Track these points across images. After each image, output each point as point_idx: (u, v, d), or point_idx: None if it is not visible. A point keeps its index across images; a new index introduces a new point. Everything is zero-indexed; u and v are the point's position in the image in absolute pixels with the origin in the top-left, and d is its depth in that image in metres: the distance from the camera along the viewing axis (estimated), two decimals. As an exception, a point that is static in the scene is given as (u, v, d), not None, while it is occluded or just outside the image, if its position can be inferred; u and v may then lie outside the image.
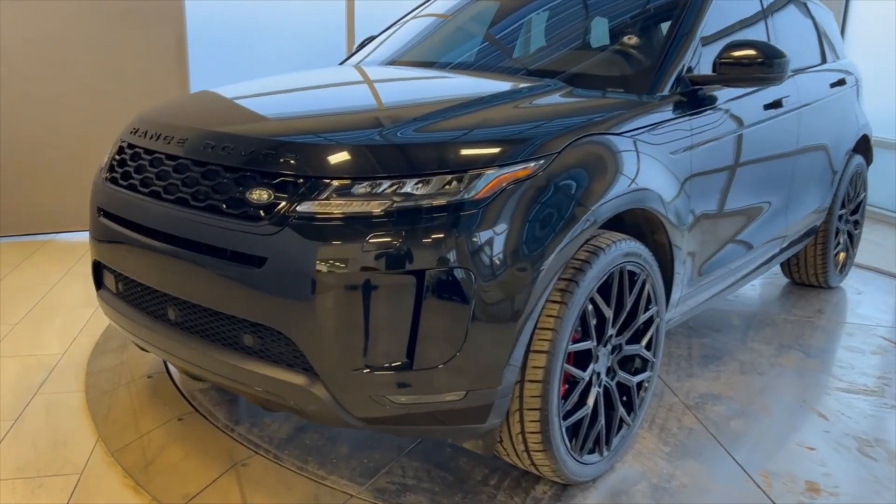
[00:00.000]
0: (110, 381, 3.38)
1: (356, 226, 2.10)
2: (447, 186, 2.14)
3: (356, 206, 2.11)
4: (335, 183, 2.14)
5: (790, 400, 3.35)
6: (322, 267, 2.09)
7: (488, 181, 2.17)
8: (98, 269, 2.85)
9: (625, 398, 2.73)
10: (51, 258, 5.31)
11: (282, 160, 2.21)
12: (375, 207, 2.11)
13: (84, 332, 3.97)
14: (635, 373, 2.77)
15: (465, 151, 2.23)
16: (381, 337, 2.13)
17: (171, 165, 2.44)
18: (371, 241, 2.07)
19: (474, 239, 2.10)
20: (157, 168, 2.50)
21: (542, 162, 2.27)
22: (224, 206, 2.26)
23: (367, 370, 2.14)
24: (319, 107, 2.87)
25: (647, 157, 2.67)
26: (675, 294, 2.96)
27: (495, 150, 2.24)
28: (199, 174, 2.35)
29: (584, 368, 2.49)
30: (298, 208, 2.14)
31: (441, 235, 2.09)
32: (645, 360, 2.79)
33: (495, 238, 2.14)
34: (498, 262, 2.13)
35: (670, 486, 2.65)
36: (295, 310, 2.14)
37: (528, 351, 2.27)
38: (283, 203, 2.16)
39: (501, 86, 2.96)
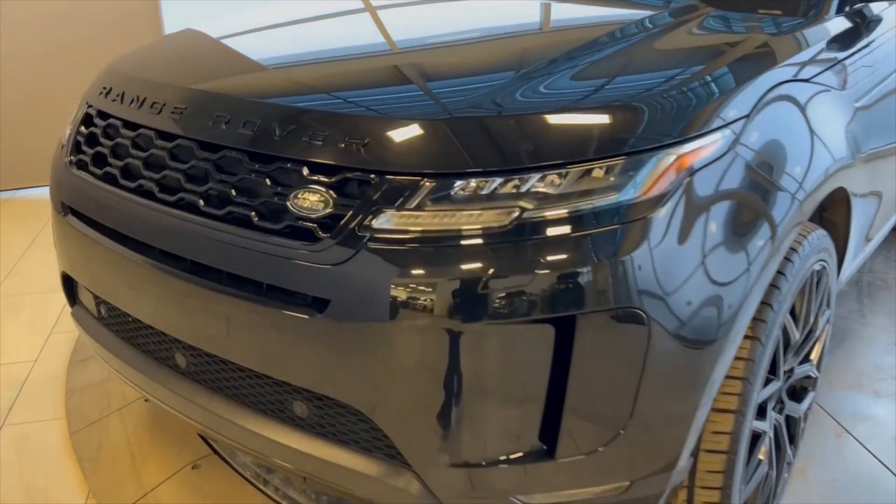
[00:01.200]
0: (97, 406, 2.66)
1: (465, 250, 1.34)
2: (593, 181, 1.38)
3: (463, 219, 1.35)
4: (427, 183, 1.37)
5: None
6: (415, 316, 1.34)
7: (656, 170, 1.41)
8: (69, 282, 2.08)
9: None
10: (9, 223, 4.47)
11: (342, 146, 1.43)
12: (493, 220, 1.35)
13: (58, 329, 3.21)
14: (800, 398, 2.09)
15: (613, 125, 1.45)
16: (507, 415, 1.41)
17: (167, 148, 1.65)
18: (492, 274, 1.32)
19: (645, 262, 1.36)
20: (145, 151, 1.71)
21: (727, 133, 1.51)
22: (254, 215, 1.49)
23: (486, 463, 1.43)
24: (375, 54, 2.00)
25: (835, 110, 1.91)
26: (841, 278, 2.26)
27: (659, 120, 1.46)
28: (212, 163, 1.57)
29: (763, 417, 1.80)
30: (375, 222, 1.38)
31: (595, 260, 1.34)
32: (809, 378, 2.11)
33: (676, 258, 1.40)
34: (683, 294, 1.40)
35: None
36: (374, 377, 1.41)
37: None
38: (351, 214, 1.39)
39: (616, 13, 2.14)
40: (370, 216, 1.38)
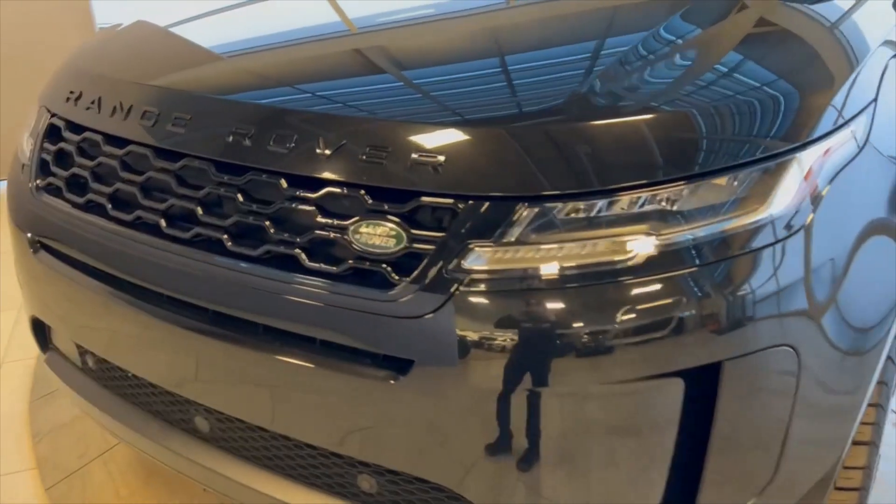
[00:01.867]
0: (73, 451, 2.31)
1: (580, 291, 1.08)
2: (722, 195, 1.13)
3: (576, 252, 1.09)
4: (527, 209, 1.09)
5: None
6: (524, 380, 1.08)
7: (798, 174, 1.16)
8: (40, 326, 1.73)
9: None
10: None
11: (412, 166, 1.13)
12: (613, 251, 1.08)
13: (10, 357, 2.82)
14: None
15: (741, 126, 1.19)
16: (635, 482, 1.16)
17: (171, 171, 1.32)
18: (623, 320, 1.07)
19: (794, 288, 1.12)
20: (140, 174, 1.37)
21: (861, 120, 1.27)
22: (303, 255, 1.18)
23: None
24: (435, 45, 1.60)
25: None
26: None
27: (792, 115, 1.21)
28: (236, 189, 1.25)
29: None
30: (466, 261, 1.09)
31: (738, 291, 1.10)
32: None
33: (829, 279, 1.16)
34: (839, 323, 1.17)
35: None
36: (472, 450, 1.15)
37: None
38: (434, 252, 1.11)
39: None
40: (460, 254, 1.09)
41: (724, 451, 1.16)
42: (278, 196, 1.22)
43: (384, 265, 1.13)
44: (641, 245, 1.08)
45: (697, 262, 1.09)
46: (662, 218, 1.09)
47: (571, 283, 1.07)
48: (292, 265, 1.20)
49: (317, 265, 1.17)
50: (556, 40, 1.50)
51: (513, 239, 1.09)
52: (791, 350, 1.13)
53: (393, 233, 1.14)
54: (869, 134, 1.27)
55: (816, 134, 1.19)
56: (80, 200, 1.45)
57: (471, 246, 1.09)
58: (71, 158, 1.50)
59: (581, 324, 1.07)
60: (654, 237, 1.08)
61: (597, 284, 1.07)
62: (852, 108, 1.26)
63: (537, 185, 1.09)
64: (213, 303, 1.27)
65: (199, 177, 1.30)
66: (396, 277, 1.12)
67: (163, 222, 1.32)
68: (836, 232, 1.19)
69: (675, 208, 1.10)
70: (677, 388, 1.11)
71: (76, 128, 1.50)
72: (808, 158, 1.16)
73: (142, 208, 1.35)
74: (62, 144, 1.52)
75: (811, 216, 1.15)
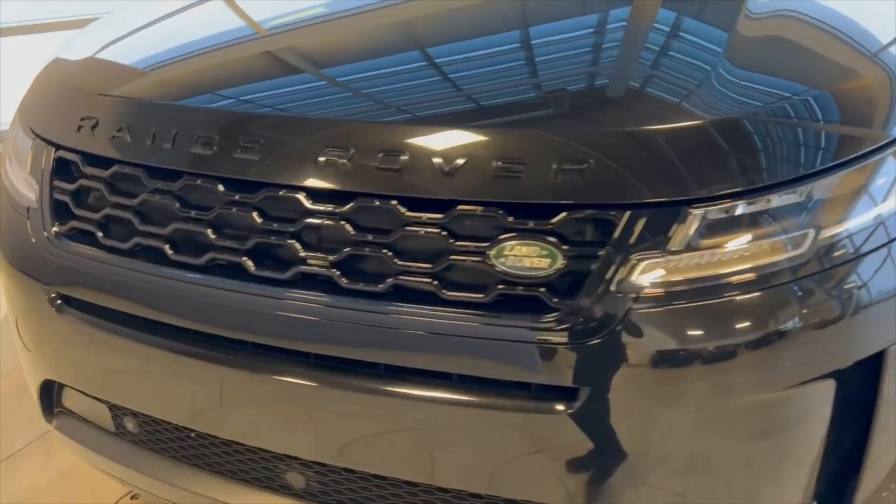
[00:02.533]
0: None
1: (759, 298, 1.02)
2: (870, 178, 1.11)
3: (749, 255, 1.03)
4: (694, 212, 1.02)
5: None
6: (711, 392, 1.02)
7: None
8: (48, 390, 1.51)
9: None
10: None
11: (554, 177, 1.04)
12: (788, 249, 1.04)
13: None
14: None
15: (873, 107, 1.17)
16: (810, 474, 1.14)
17: (248, 203, 1.16)
18: (812, 314, 1.03)
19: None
20: (206, 210, 1.20)
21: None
22: (439, 285, 1.07)
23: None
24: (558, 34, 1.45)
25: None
26: None
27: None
28: (341, 218, 1.11)
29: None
30: (636, 275, 1.01)
31: None
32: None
33: None
34: None
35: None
36: (655, 474, 1.08)
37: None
38: (598, 268, 1.02)
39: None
40: (627, 267, 1.01)
41: (883, 438, 1.15)
42: (396, 222, 1.09)
43: (539, 288, 1.03)
44: (809, 240, 1.04)
45: (862, 249, 1.06)
46: (823, 211, 1.05)
47: (749, 286, 1.02)
48: (422, 298, 1.07)
49: (457, 295, 1.06)
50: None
51: (682, 247, 1.02)
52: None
53: (545, 252, 1.04)
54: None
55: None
56: (125, 245, 1.25)
57: (638, 258, 1.01)
58: (100, 198, 1.29)
59: (767, 328, 1.01)
60: (820, 230, 1.04)
61: (775, 285, 1.02)
62: None
63: (703, 185, 1.03)
64: (327, 347, 1.13)
65: (288, 208, 1.14)
66: (555, 301, 1.03)
67: (250, 264, 1.15)
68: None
69: (831, 198, 1.06)
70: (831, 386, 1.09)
71: (99, 161, 1.30)
72: None
73: (214, 250, 1.18)
74: (83, 182, 1.31)
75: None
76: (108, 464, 1.49)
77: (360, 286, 1.09)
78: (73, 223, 1.31)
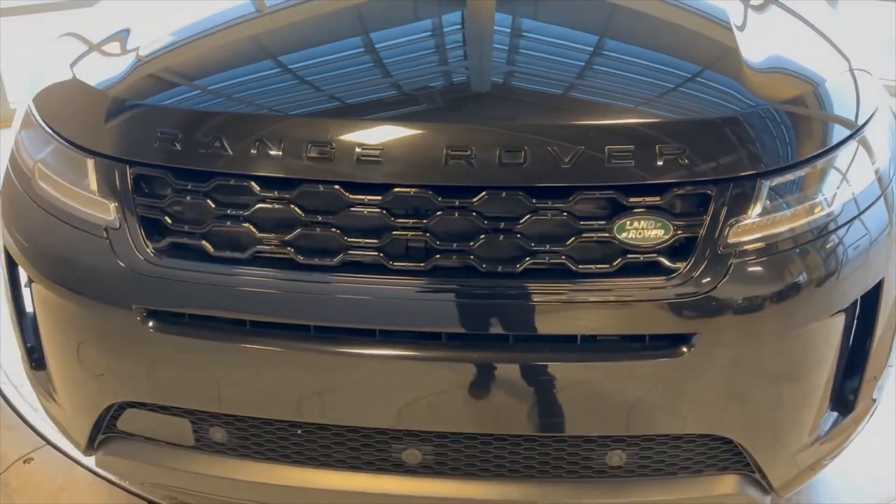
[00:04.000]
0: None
1: (819, 243, 1.32)
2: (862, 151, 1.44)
3: (805, 212, 1.31)
4: (765, 182, 1.28)
5: None
6: (805, 320, 1.30)
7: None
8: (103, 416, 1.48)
9: None
10: None
11: (660, 161, 1.25)
12: (829, 205, 1.33)
13: None
14: None
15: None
16: (827, 392, 1.44)
17: (376, 204, 1.26)
18: (846, 259, 1.33)
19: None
20: (332, 214, 1.27)
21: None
22: (569, 262, 1.24)
23: (811, 443, 1.47)
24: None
25: None
26: None
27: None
28: (471, 211, 1.25)
29: None
30: (732, 237, 1.26)
31: None
32: None
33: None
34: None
35: None
36: (751, 399, 1.34)
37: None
38: (705, 234, 1.25)
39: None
40: (725, 231, 1.25)
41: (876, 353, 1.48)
42: (524, 209, 1.24)
43: (659, 255, 1.24)
44: (842, 196, 1.34)
45: (868, 201, 1.37)
46: (842, 177, 1.35)
47: (808, 238, 1.29)
48: (560, 274, 1.24)
49: (587, 268, 1.24)
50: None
51: (762, 210, 1.27)
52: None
53: (659, 224, 1.24)
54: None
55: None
56: (245, 255, 1.28)
57: (732, 222, 1.25)
58: (201, 210, 1.31)
59: (824, 269, 1.30)
60: (848, 187, 1.34)
61: (824, 235, 1.31)
62: None
63: (769, 161, 1.28)
64: (470, 328, 1.26)
65: (417, 205, 1.25)
66: (675, 263, 1.24)
67: (386, 260, 1.25)
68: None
69: (844, 165, 1.37)
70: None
71: (191, 174, 1.31)
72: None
73: (346, 250, 1.26)
74: (180, 197, 1.31)
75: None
76: (181, 476, 1.49)
77: (498, 269, 1.24)
78: (172, 239, 1.31)
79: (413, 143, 1.27)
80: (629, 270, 1.25)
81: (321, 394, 1.35)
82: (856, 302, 1.39)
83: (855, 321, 1.41)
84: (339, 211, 1.26)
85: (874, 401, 1.55)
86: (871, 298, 1.41)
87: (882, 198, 1.41)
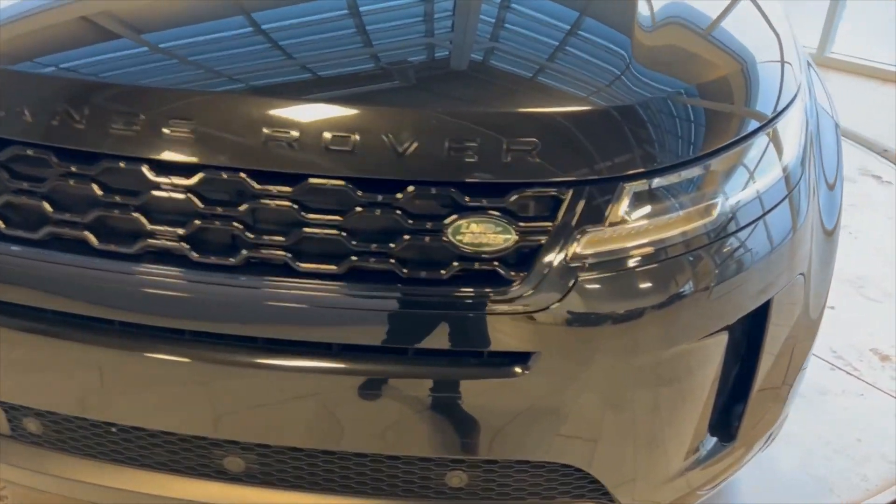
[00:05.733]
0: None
1: (685, 259, 1.16)
2: (776, 146, 1.29)
3: (674, 223, 1.16)
4: (628, 187, 1.13)
5: None
6: (657, 345, 1.15)
7: (796, 122, 1.36)
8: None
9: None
10: None
11: (507, 157, 1.10)
12: (702, 217, 1.18)
13: None
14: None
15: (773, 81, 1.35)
16: (700, 420, 1.31)
17: (185, 187, 1.11)
18: (722, 270, 1.18)
19: (810, 220, 1.34)
20: (135, 195, 1.13)
21: (804, 87, 1.50)
22: (397, 265, 1.10)
23: (681, 473, 1.33)
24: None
25: None
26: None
27: (783, 84, 1.38)
28: (292, 200, 1.10)
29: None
30: (580, 246, 1.11)
31: (794, 231, 1.29)
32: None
33: (817, 206, 1.39)
34: (822, 240, 1.41)
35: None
36: (595, 425, 1.20)
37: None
38: (548, 241, 1.10)
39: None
40: (573, 239, 1.10)
41: (765, 370, 1.34)
42: (350, 203, 1.10)
43: (496, 263, 1.10)
44: (721, 207, 1.18)
45: (757, 214, 1.22)
46: (729, 179, 1.20)
47: (677, 251, 1.15)
48: (383, 277, 1.10)
49: (418, 273, 1.09)
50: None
51: (618, 218, 1.12)
52: (802, 276, 1.34)
53: (499, 228, 1.10)
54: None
55: (790, 98, 1.37)
56: (37, 235, 1.15)
57: (583, 230, 1.10)
58: (54, 194, 1.15)
59: (694, 286, 1.15)
60: (728, 198, 1.19)
61: (697, 248, 1.16)
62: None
63: (635, 162, 1.13)
64: (284, 334, 1.12)
65: (230, 191, 1.11)
66: (512, 273, 1.10)
67: (189, 250, 1.11)
68: (817, 171, 1.40)
69: (738, 167, 1.21)
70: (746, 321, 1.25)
71: (58, 155, 1.15)
72: (794, 118, 1.35)
73: (148, 236, 1.12)
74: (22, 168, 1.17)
75: (809, 162, 1.35)
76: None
77: (317, 268, 1.09)
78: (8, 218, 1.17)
79: (229, 118, 1.12)
80: (464, 279, 1.11)
81: (123, 393, 1.22)
82: (744, 319, 1.25)
83: (742, 339, 1.28)
84: (144, 191, 1.12)
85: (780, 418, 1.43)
86: (759, 317, 1.27)
87: (786, 203, 1.26)
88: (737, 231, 1.19)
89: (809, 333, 1.45)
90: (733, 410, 1.36)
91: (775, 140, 1.27)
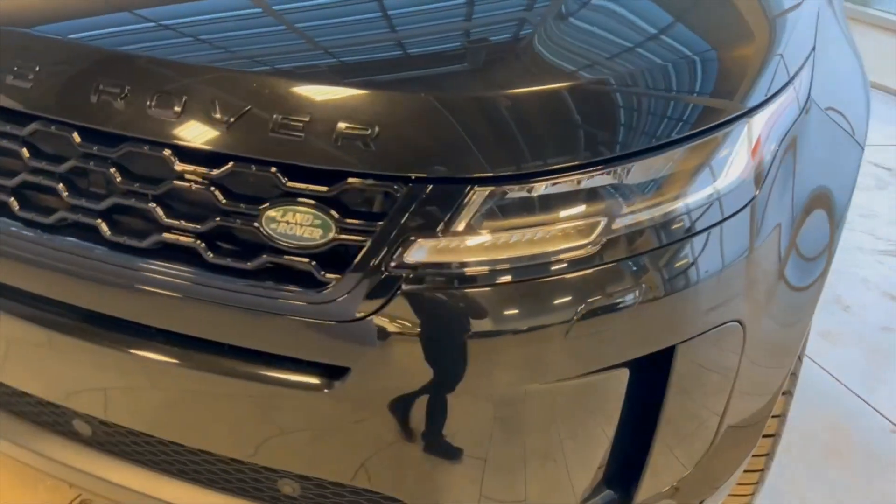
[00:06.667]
0: None
1: (547, 280, 0.96)
2: (693, 162, 1.04)
3: (534, 242, 0.96)
4: (479, 192, 0.95)
5: None
6: (479, 382, 0.97)
7: (747, 141, 1.09)
8: None
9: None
10: None
11: (339, 140, 0.95)
12: (573, 238, 0.97)
13: None
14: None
15: (703, 86, 1.08)
16: (577, 470, 1.11)
17: (20, 136, 1.05)
18: (589, 307, 0.97)
19: (755, 260, 1.08)
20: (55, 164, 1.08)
21: (803, 75, 1.21)
22: (204, 247, 0.99)
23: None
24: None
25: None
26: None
27: (735, 78, 1.11)
28: (109, 164, 1.02)
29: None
30: (409, 254, 0.94)
31: (709, 267, 1.03)
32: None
33: (775, 250, 1.12)
34: (784, 294, 1.14)
35: None
36: (401, 454, 1.04)
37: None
38: (372, 244, 0.95)
39: None
40: (402, 245, 0.94)
41: (669, 432, 1.12)
42: (168, 173, 0.99)
43: (308, 260, 0.96)
44: (598, 228, 0.97)
45: (653, 243, 1.00)
46: (616, 198, 0.98)
47: (529, 273, 0.96)
48: (191, 259, 1.00)
49: (223, 260, 0.98)
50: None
51: (461, 227, 0.95)
52: (738, 324, 1.09)
53: (318, 221, 0.96)
54: (810, 89, 1.21)
55: (763, 96, 1.10)
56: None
57: (414, 236, 0.94)
58: None
59: (543, 318, 0.96)
60: (609, 219, 0.98)
61: (556, 274, 0.96)
62: (795, 61, 1.19)
63: (490, 163, 0.95)
64: (92, 303, 1.05)
65: (60, 147, 1.04)
66: (326, 275, 0.96)
67: (15, 204, 1.06)
68: (784, 204, 1.13)
69: (627, 185, 0.99)
70: (624, 377, 1.04)
71: None
72: (756, 124, 1.08)
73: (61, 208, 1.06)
74: None
75: (760, 187, 1.08)
76: None
77: (123, 239, 1.01)
78: None
79: (66, 68, 1.04)
80: (274, 273, 0.98)
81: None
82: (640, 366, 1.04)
83: (622, 396, 1.06)
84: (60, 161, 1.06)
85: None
86: (663, 364, 1.05)
87: (705, 237, 1.02)
88: (622, 259, 0.98)
89: (760, 406, 1.21)
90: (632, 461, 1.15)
91: (699, 152, 1.02)
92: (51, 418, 1.26)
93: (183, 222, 0.99)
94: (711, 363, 1.10)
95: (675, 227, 1.01)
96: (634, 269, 0.99)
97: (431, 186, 0.94)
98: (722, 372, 1.12)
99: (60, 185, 1.04)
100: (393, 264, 0.94)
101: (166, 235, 1.00)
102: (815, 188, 1.19)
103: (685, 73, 1.06)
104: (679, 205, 1.01)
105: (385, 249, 0.94)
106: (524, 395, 1.00)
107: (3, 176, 1.07)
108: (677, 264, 1.01)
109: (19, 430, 1.29)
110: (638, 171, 0.99)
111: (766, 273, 1.11)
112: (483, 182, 0.95)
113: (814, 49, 1.25)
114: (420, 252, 0.94)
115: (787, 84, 1.15)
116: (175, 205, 1.01)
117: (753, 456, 1.35)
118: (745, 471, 1.37)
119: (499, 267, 0.95)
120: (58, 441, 1.27)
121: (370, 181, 0.95)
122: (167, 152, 0.99)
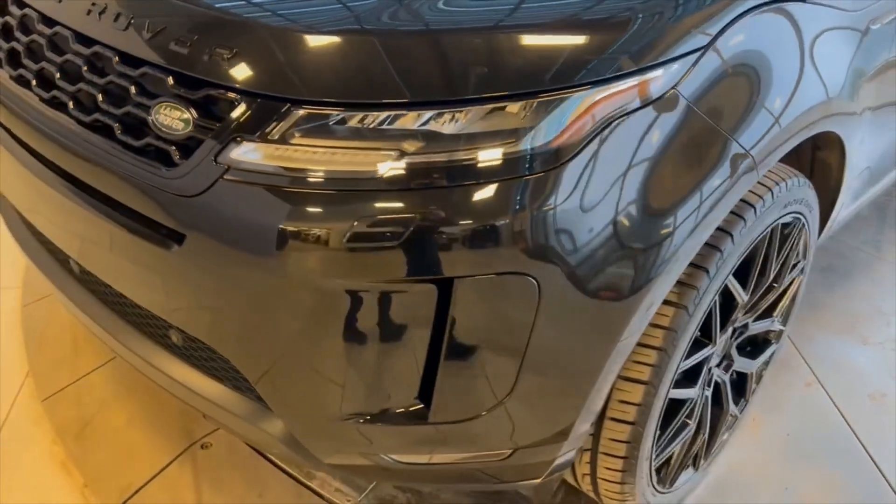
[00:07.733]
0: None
1: (336, 194, 1.16)
2: (499, 122, 1.16)
3: (340, 159, 1.17)
4: (297, 111, 1.17)
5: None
6: (275, 265, 1.19)
7: (573, 113, 1.18)
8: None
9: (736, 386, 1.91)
10: None
11: (207, 56, 1.23)
12: (373, 162, 1.15)
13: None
14: (757, 352, 1.91)
15: (530, 53, 1.20)
16: (378, 373, 1.28)
17: (45, 35, 1.47)
18: (362, 225, 1.15)
19: (546, 222, 1.17)
20: (27, 35, 1.53)
21: (675, 67, 1.26)
22: (117, 126, 1.32)
23: (359, 420, 1.32)
24: None
25: (842, 34, 1.60)
26: (834, 216, 2.00)
27: (585, 51, 1.21)
28: (84, 59, 1.39)
29: (692, 382, 1.64)
30: (234, 153, 1.20)
31: (488, 216, 1.16)
32: (772, 331, 1.92)
33: (584, 218, 1.20)
34: (586, 261, 1.21)
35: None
36: (230, 321, 1.29)
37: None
38: (209, 139, 1.22)
39: None
40: (229, 143, 1.20)
41: (454, 360, 1.24)
42: (111, 70, 1.34)
43: (171, 146, 1.25)
44: (401, 159, 1.14)
45: (455, 181, 1.14)
46: (424, 135, 1.15)
47: (322, 187, 1.16)
48: (109, 133, 1.33)
49: (123, 136, 1.31)
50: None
51: (276, 137, 1.18)
52: (530, 279, 1.19)
53: (184, 117, 1.25)
54: (678, 85, 1.25)
55: (590, 77, 1.18)
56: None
57: (237, 138, 1.19)
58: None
59: (323, 218, 1.16)
60: (414, 151, 1.14)
61: (352, 191, 1.15)
62: (646, 55, 1.23)
63: (310, 90, 1.17)
64: (60, 160, 1.44)
65: (63, 45, 1.44)
66: (179, 159, 1.24)
67: (34, 81, 1.48)
68: (610, 166, 1.20)
69: (438, 128, 1.15)
70: (432, 293, 1.19)
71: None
72: (575, 100, 1.17)
73: (23, 67, 1.51)
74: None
75: (577, 154, 1.17)
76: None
77: (79, 115, 1.38)
78: None
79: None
80: (153, 152, 1.29)
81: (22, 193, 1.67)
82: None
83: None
84: (29, 35, 1.51)
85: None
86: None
87: (504, 186, 1.15)
88: (404, 189, 1.15)
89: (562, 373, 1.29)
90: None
91: (538, 111, 1.15)
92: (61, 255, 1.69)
93: (111, 107, 1.33)
94: (497, 309, 1.21)
95: (466, 177, 1.15)
96: (417, 200, 1.15)
97: (259, 100, 1.19)
98: (513, 322, 1.22)
99: (58, 74, 1.43)
100: (218, 157, 1.20)
101: (98, 116, 1.35)
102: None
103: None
104: (474, 155, 1.15)
105: (216, 144, 1.20)
106: (322, 291, 1.19)
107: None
108: (461, 206, 1.15)
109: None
110: (440, 119, 1.15)
111: (570, 236, 1.19)
112: (298, 103, 1.17)
113: (711, 44, 1.28)
114: (241, 150, 1.19)
115: (632, 74, 1.21)
116: (108, 94, 1.35)
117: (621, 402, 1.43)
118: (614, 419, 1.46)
119: (304, 176, 1.16)
120: (67, 277, 1.70)
121: (219, 90, 1.22)
122: (111, 53, 1.34)
